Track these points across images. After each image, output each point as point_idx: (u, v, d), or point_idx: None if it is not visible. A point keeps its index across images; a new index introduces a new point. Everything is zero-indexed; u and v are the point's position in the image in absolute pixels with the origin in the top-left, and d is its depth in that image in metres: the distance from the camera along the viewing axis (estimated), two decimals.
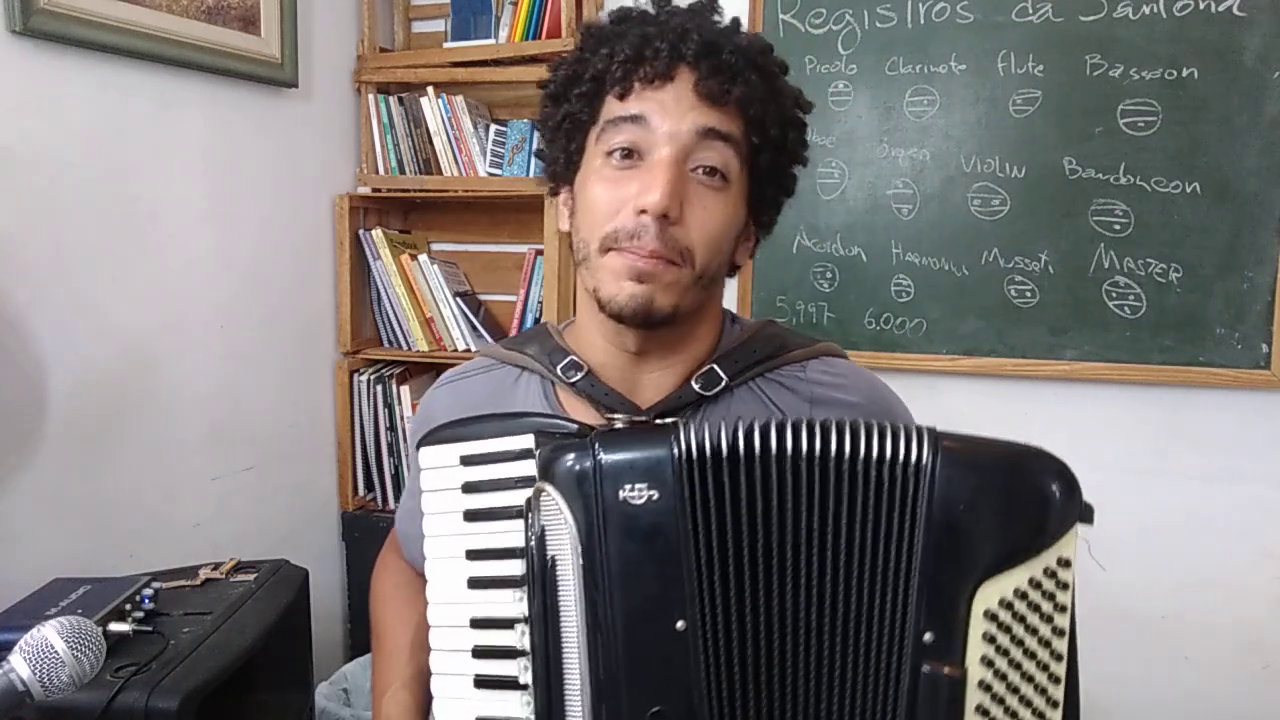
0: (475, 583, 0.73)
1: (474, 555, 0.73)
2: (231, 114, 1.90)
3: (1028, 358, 1.97)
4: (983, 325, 1.99)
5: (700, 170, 0.79)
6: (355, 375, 2.25)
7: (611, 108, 0.81)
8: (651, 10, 0.83)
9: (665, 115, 0.78)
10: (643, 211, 0.77)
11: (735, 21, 0.84)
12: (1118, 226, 1.89)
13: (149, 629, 1.27)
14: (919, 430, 0.68)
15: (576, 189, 0.86)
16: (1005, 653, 0.65)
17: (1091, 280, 1.92)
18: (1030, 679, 0.65)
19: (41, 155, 1.53)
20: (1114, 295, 1.91)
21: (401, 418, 2.23)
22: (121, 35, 1.61)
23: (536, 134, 0.95)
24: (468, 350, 2.18)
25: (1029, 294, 1.95)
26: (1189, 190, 1.85)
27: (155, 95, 1.72)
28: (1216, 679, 1.95)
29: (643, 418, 0.83)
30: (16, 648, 0.76)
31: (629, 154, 0.79)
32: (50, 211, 1.54)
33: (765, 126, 0.81)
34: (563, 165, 0.87)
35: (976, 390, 2.02)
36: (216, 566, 1.53)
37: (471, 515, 0.74)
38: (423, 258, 2.22)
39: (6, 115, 1.47)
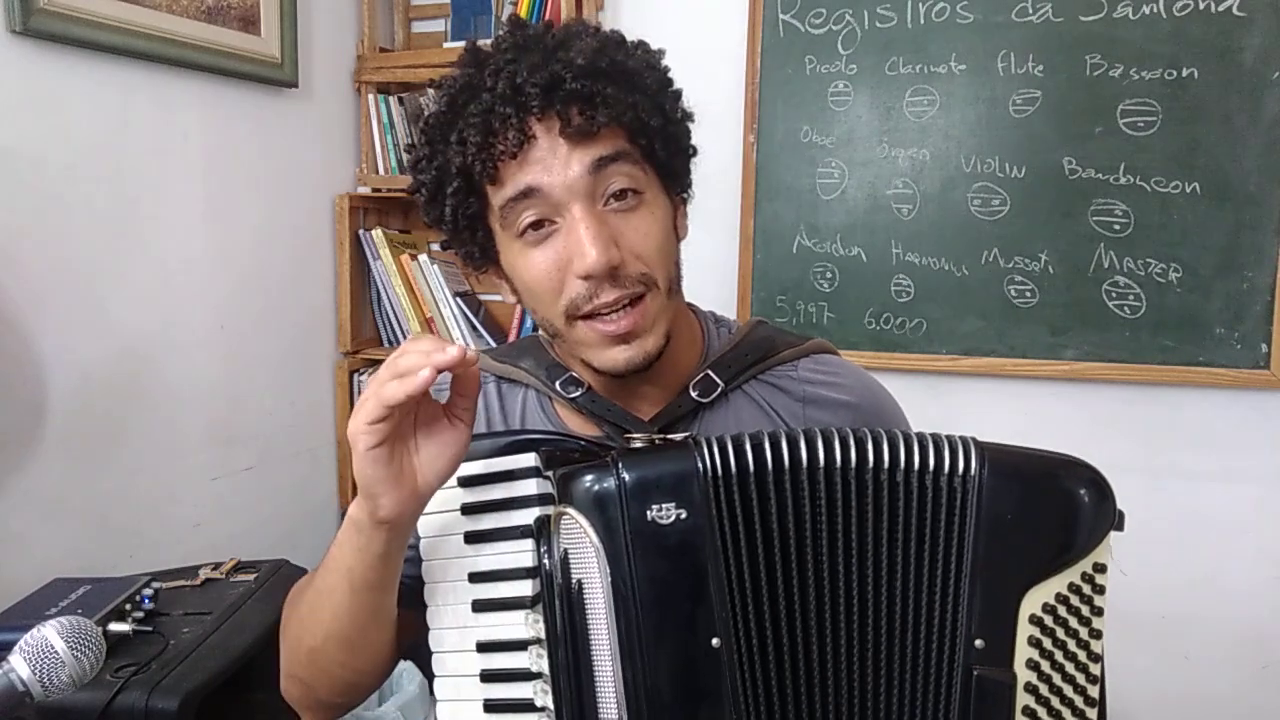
0: (480, 606, 0.71)
1: (477, 578, 0.71)
2: (231, 114, 1.90)
3: (1028, 358, 1.97)
4: (983, 325, 1.99)
5: (612, 199, 0.75)
6: (355, 375, 2.25)
7: (496, 193, 0.76)
8: (472, 69, 0.76)
9: (550, 173, 0.73)
10: (587, 276, 0.74)
11: (547, 25, 0.78)
12: (1118, 226, 1.89)
13: (149, 629, 1.27)
14: (963, 440, 0.68)
15: (506, 270, 0.82)
16: (1049, 655, 0.67)
17: (1091, 280, 1.91)
18: (1071, 680, 0.67)
19: (41, 155, 1.53)
20: (1114, 295, 1.91)
21: None
22: (121, 35, 1.61)
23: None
24: None
25: (1029, 294, 1.95)
26: (1189, 190, 1.85)
27: (155, 95, 1.72)
28: (1216, 678, 1.95)
29: (654, 432, 0.81)
30: (16, 648, 0.76)
31: (540, 224, 0.75)
32: (50, 211, 1.54)
33: (645, 122, 0.76)
34: (479, 255, 0.83)
35: (976, 390, 2.02)
36: (216, 566, 1.53)
37: (473, 538, 0.71)
38: (422, 258, 2.22)
39: (6, 115, 1.47)
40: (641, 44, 0.81)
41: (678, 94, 0.82)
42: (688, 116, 0.83)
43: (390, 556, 0.72)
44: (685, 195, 0.87)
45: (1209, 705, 1.96)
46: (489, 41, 0.79)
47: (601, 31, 0.79)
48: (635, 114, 0.75)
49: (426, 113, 0.80)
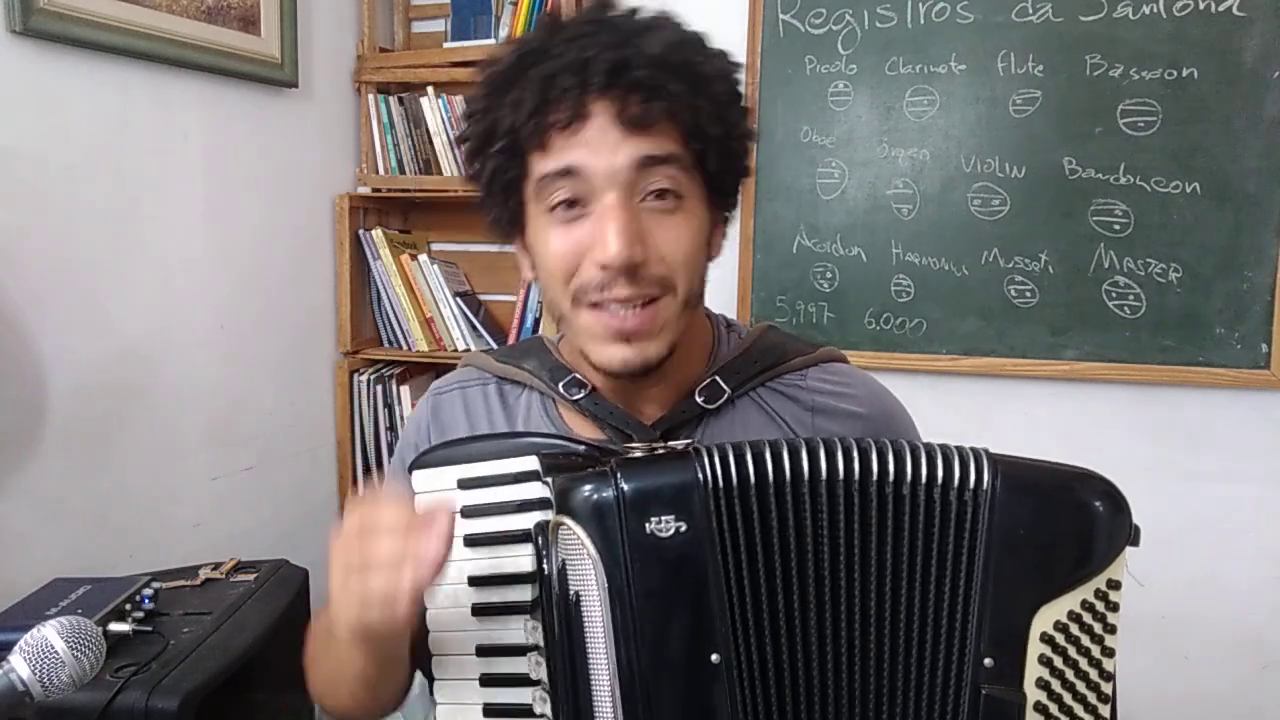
0: (480, 610, 0.70)
1: (476, 582, 0.70)
2: (231, 114, 1.90)
3: (1028, 358, 1.96)
4: (983, 325, 1.99)
5: (651, 196, 0.73)
6: (355, 375, 2.25)
7: (538, 163, 0.74)
8: (548, 35, 0.74)
9: (596, 156, 0.71)
10: (604, 267, 0.72)
11: (632, 10, 0.75)
12: (1118, 226, 1.89)
13: (149, 629, 1.27)
14: (975, 452, 0.67)
15: (529, 243, 0.80)
16: (1060, 674, 0.65)
17: (1091, 280, 1.91)
18: (1082, 699, 0.66)
19: (41, 155, 1.53)
20: (1114, 295, 1.91)
21: (401, 418, 2.23)
22: (121, 35, 1.61)
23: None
24: (468, 350, 2.17)
25: (1029, 294, 1.95)
26: (1189, 190, 1.85)
27: (155, 95, 1.72)
28: (1216, 678, 1.95)
29: (656, 437, 0.80)
30: (16, 648, 0.76)
31: (573, 204, 0.74)
32: (50, 211, 1.54)
33: (703, 129, 0.74)
34: (507, 223, 0.81)
35: (976, 390, 2.02)
36: (216, 566, 1.53)
37: (472, 541, 0.70)
38: (423, 258, 2.22)
39: (6, 115, 1.47)
40: (721, 52, 0.78)
41: (745, 111, 0.79)
42: (749, 135, 0.81)
43: (398, 639, 0.71)
44: (727, 215, 0.84)
45: (1209, 705, 1.96)
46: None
47: (684, 29, 0.76)
48: (695, 117, 0.73)
49: (487, 69, 0.78)
